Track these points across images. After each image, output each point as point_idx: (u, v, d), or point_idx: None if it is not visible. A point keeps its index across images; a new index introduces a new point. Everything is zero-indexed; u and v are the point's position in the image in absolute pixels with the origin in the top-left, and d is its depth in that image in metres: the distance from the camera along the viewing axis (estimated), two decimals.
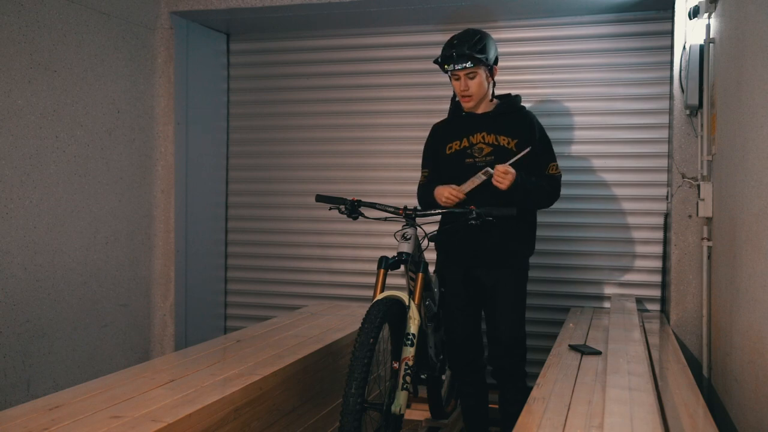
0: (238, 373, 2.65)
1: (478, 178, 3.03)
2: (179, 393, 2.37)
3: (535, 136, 3.18)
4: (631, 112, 4.29)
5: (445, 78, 4.60)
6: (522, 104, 3.34)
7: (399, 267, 2.82)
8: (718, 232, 3.40)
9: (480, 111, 3.23)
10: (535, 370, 2.97)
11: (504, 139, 3.16)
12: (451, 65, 3.08)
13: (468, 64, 3.05)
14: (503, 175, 2.97)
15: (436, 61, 3.13)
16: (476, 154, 3.16)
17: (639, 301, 4.15)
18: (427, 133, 3.41)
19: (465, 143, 3.20)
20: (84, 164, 3.99)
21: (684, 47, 3.82)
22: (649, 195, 4.26)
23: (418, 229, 2.92)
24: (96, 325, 4.11)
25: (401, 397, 2.63)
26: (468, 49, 3.04)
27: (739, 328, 2.77)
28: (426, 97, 4.64)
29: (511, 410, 3.16)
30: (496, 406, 3.39)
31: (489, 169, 3.01)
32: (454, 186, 3.08)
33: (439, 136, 3.33)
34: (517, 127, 3.19)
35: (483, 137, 3.18)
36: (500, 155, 3.12)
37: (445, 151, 3.24)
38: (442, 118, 3.44)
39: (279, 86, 4.95)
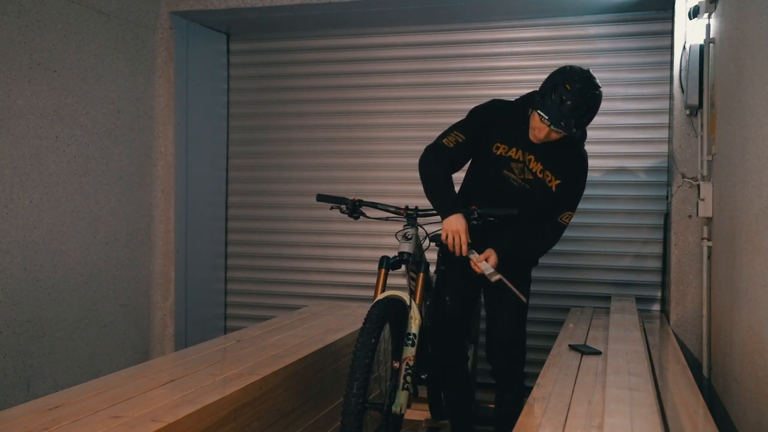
0: (238, 373, 2.65)
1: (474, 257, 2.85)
2: (179, 393, 2.37)
3: (575, 179, 3.00)
4: (631, 112, 4.29)
5: (444, 78, 4.63)
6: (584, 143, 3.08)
7: (400, 267, 2.82)
8: (718, 232, 3.40)
9: None
10: (535, 370, 2.96)
11: (549, 176, 2.94)
12: (548, 122, 2.75)
13: (563, 132, 2.79)
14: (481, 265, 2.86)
15: (536, 101, 2.81)
16: (516, 172, 2.96)
17: (639, 301, 4.15)
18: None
19: (513, 154, 2.96)
20: (84, 164, 3.99)
21: (684, 47, 3.82)
22: (649, 195, 4.26)
23: (419, 229, 2.92)
24: (96, 325, 4.11)
25: (402, 397, 2.63)
26: (575, 125, 2.77)
27: (739, 328, 2.77)
28: (426, 97, 4.64)
29: (508, 411, 3.15)
30: (493, 407, 3.39)
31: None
32: (464, 247, 2.78)
33: (494, 124, 3.00)
34: (568, 166, 2.96)
35: (531, 160, 2.95)
36: (536, 188, 2.96)
37: (491, 149, 2.98)
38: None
39: (279, 86, 4.95)
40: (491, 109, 3.05)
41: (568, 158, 2.97)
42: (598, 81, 2.82)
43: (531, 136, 2.91)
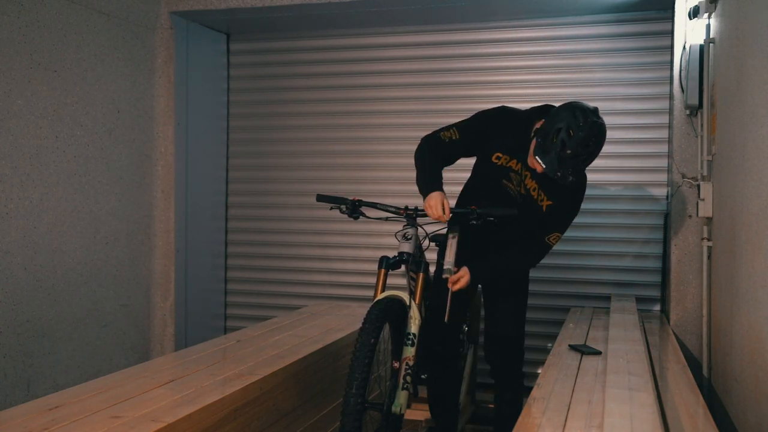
0: (238, 373, 2.65)
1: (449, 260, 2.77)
2: (179, 393, 2.37)
3: (568, 203, 2.94)
4: (631, 112, 4.29)
5: (444, 79, 4.63)
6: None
7: (400, 267, 2.82)
8: (718, 232, 3.40)
9: None
10: (535, 370, 2.97)
11: (542, 195, 2.91)
12: (545, 170, 2.74)
13: (555, 176, 2.75)
14: (454, 284, 2.80)
15: (536, 145, 2.76)
16: (515, 183, 2.94)
17: (639, 301, 4.15)
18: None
19: (512, 165, 2.93)
20: (84, 164, 3.99)
21: (684, 47, 3.82)
22: (649, 195, 4.26)
23: (419, 229, 2.92)
24: (96, 325, 4.11)
25: (401, 397, 2.63)
26: (572, 173, 2.74)
27: (739, 328, 2.77)
28: (426, 98, 4.64)
29: (508, 411, 3.15)
30: (493, 407, 3.38)
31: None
32: (447, 210, 2.74)
33: (496, 132, 2.95)
34: (564, 189, 2.87)
35: (527, 176, 2.91)
36: (526, 204, 2.93)
37: (491, 157, 2.95)
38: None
39: (279, 86, 4.95)
40: (496, 117, 2.99)
41: None
42: (603, 122, 2.76)
43: (529, 162, 2.88)
